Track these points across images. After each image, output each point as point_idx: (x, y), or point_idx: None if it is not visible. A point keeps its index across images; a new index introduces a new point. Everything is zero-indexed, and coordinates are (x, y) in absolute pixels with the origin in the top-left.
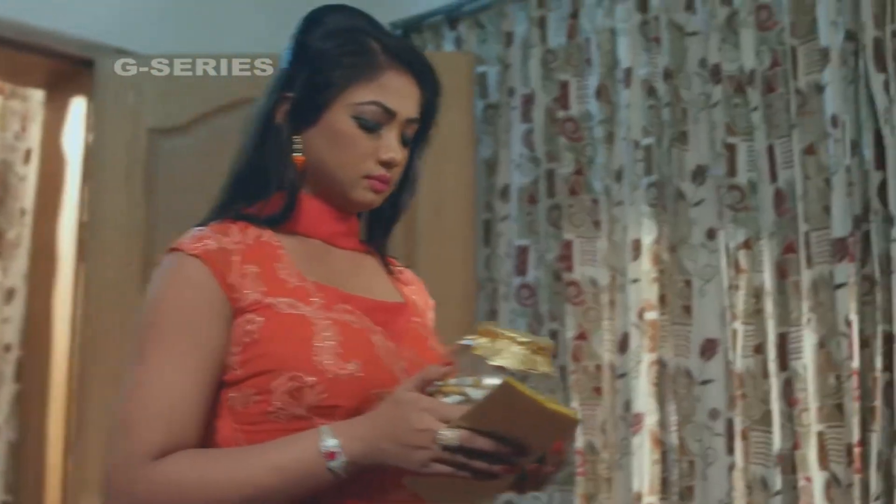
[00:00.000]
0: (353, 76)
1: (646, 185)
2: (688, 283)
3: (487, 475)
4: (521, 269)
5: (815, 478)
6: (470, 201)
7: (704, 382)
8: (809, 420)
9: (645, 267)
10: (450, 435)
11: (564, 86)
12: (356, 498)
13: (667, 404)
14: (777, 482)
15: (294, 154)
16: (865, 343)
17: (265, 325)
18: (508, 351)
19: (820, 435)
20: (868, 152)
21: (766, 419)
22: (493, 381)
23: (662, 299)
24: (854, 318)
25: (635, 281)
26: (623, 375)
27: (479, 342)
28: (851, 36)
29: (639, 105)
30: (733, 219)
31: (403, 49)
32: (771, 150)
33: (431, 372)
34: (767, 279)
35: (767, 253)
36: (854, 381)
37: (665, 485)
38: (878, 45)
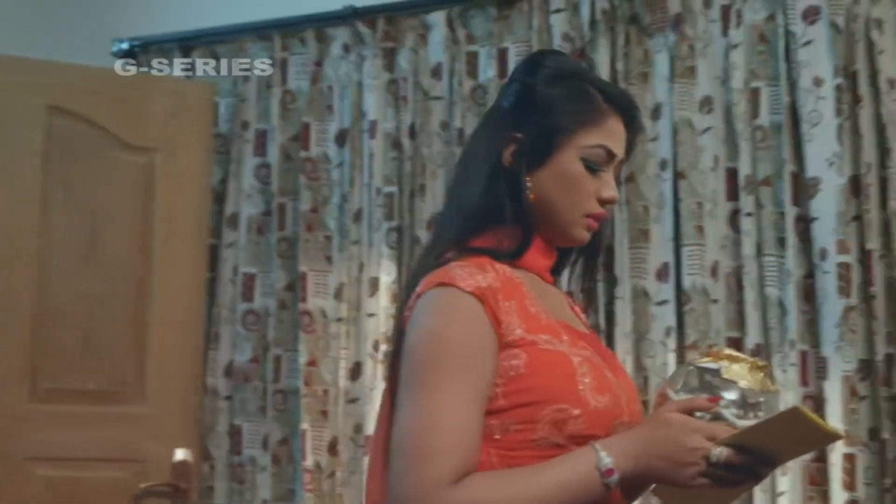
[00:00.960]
0: (582, 121)
1: (386, 230)
2: None
3: (737, 484)
4: (247, 296)
5: None
6: (202, 227)
7: None
8: None
9: (383, 303)
10: (720, 453)
11: (306, 127)
12: None
13: None
14: None
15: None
16: None
17: (528, 360)
18: (750, 374)
19: None
20: None
21: None
22: (731, 395)
23: None
24: None
25: (371, 315)
26: (355, 400)
27: (722, 365)
28: None
29: (382, 156)
30: None
31: (619, 95)
32: None
33: (699, 403)
34: None
35: None
36: None
37: None
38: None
